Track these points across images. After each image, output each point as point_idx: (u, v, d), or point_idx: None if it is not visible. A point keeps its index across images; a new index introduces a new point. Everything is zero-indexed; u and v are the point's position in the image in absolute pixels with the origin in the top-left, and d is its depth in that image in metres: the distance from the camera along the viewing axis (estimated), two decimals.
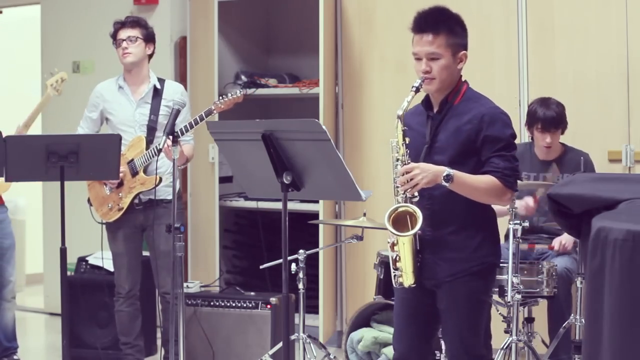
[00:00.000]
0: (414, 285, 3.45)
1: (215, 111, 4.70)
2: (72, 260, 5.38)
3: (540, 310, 4.85)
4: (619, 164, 5.33)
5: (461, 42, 3.49)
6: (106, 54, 6.81)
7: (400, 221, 3.39)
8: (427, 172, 3.34)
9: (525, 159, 4.94)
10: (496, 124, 3.42)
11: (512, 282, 4.32)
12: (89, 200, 5.17)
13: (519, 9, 5.58)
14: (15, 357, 5.33)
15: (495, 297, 4.63)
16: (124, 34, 5.04)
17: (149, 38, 5.08)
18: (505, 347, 4.43)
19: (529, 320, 4.78)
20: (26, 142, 4.67)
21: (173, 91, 5.06)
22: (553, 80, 5.47)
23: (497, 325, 4.78)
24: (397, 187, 3.39)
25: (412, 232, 3.35)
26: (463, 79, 3.54)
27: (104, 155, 4.60)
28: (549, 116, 4.80)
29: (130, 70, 5.06)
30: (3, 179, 4.67)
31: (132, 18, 5.12)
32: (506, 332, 4.51)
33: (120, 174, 4.93)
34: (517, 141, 5.24)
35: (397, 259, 3.44)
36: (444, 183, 3.33)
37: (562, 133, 4.90)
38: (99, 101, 5.13)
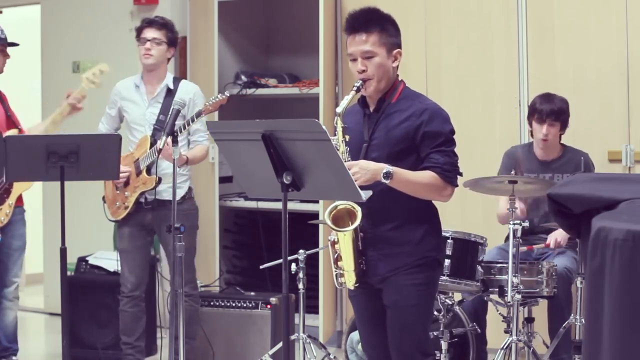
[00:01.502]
0: (357, 285, 3.47)
1: (204, 113, 4.69)
2: (72, 260, 5.37)
3: (540, 310, 4.85)
4: (619, 164, 5.33)
5: (395, 40, 3.51)
6: (106, 54, 6.82)
7: (340, 219, 3.42)
8: (366, 169, 3.36)
9: (524, 160, 4.94)
10: (436, 119, 3.44)
11: (512, 282, 4.32)
12: (103, 198, 5.18)
13: (519, 9, 5.58)
14: (14, 358, 5.32)
15: (495, 297, 4.64)
16: (149, 33, 5.02)
17: (173, 42, 5.08)
18: (505, 347, 4.43)
19: (529, 320, 4.78)
20: (26, 142, 4.66)
21: (186, 91, 5.05)
22: (553, 80, 5.47)
23: (497, 325, 4.79)
24: None
25: (351, 227, 3.38)
26: (400, 79, 3.56)
27: (104, 155, 4.59)
28: (547, 107, 4.81)
29: (149, 70, 5.06)
30: None
31: (161, 20, 5.09)
32: (506, 332, 4.51)
33: (127, 173, 4.98)
34: (517, 142, 5.35)
35: (338, 258, 3.45)
36: (383, 180, 3.35)
37: (562, 130, 4.89)
38: (117, 98, 5.16)
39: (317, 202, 5.91)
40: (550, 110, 4.80)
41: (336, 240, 3.45)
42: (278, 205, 3.56)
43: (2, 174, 4.71)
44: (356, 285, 3.48)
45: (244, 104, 6.43)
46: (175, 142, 4.15)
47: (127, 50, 6.71)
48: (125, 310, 5.10)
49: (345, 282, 3.49)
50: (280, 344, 4.43)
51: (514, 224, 4.40)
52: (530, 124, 4.93)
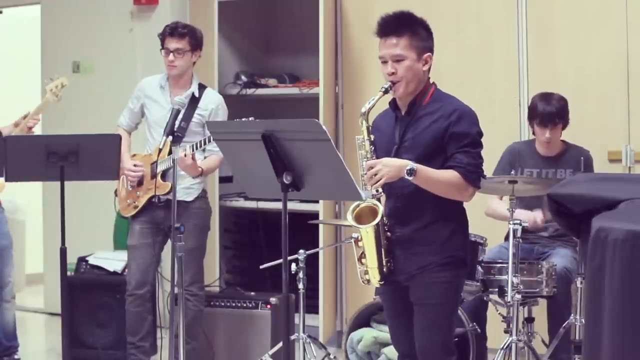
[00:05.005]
0: (382, 283, 3.54)
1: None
2: (72, 260, 5.38)
3: (540, 310, 4.85)
4: (619, 164, 5.33)
5: (426, 44, 3.56)
6: (106, 54, 6.83)
7: (363, 216, 3.49)
8: (390, 166, 3.41)
9: (526, 156, 4.95)
10: (463, 120, 3.49)
11: (512, 282, 4.32)
12: (115, 191, 5.18)
13: (518, 9, 5.58)
14: (15, 356, 5.33)
15: (495, 297, 4.64)
16: (172, 44, 4.94)
17: (197, 46, 5.01)
18: (505, 347, 4.42)
19: (529, 320, 4.78)
20: (26, 142, 4.67)
21: (210, 101, 5.03)
22: (553, 80, 5.47)
23: (497, 325, 4.79)
24: (365, 184, 3.47)
25: (372, 223, 3.44)
26: (431, 81, 3.61)
27: (104, 155, 4.60)
28: (547, 111, 4.80)
29: (174, 77, 5.03)
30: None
31: (182, 28, 4.97)
32: (506, 332, 4.51)
33: (141, 173, 4.98)
34: (517, 139, 5.35)
35: (362, 255, 3.52)
36: (407, 177, 3.39)
37: (564, 128, 4.89)
38: (141, 95, 5.12)
39: (317, 202, 5.91)
40: (551, 114, 4.79)
41: (359, 237, 3.50)
42: (278, 205, 3.56)
43: (2, 174, 4.71)
44: (381, 283, 3.54)
45: (244, 104, 6.43)
46: (175, 142, 4.15)
47: (127, 50, 6.73)
48: (128, 309, 5.08)
49: (370, 279, 3.54)
50: (280, 344, 4.43)
51: (514, 223, 4.40)
52: (532, 125, 4.92)
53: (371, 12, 6.03)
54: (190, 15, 6.64)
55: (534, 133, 4.97)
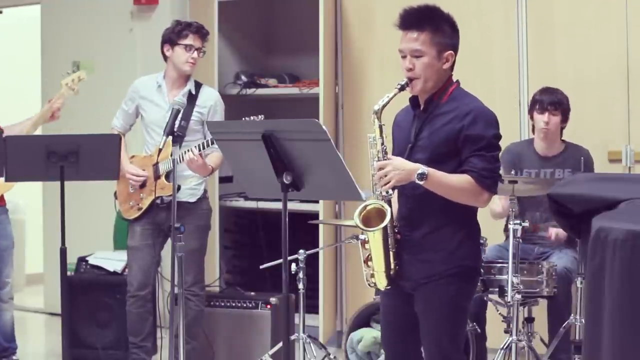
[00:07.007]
0: (388, 288, 3.43)
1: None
2: (72, 260, 5.38)
3: (540, 310, 4.85)
4: (619, 164, 5.33)
5: (448, 41, 3.43)
6: (106, 54, 6.83)
7: (370, 219, 3.38)
8: (400, 169, 3.30)
9: (524, 156, 4.95)
10: (479, 122, 3.36)
11: (512, 282, 4.32)
12: (115, 193, 5.16)
13: (518, 9, 5.58)
14: (14, 357, 5.32)
15: (495, 297, 4.65)
16: (197, 42, 4.97)
17: None
18: (505, 347, 4.43)
19: (529, 320, 4.78)
20: (26, 142, 4.67)
21: (208, 98, 5.03)
22: (553, 79, 5.46)
23: (497, 325, 4.79)
24: (375, 184, 3.38)
25: (379, 227, 3.33)
26: (455, 79, 3.50)
27: (104, 155, 4.60)
28: (548, 98, 4.83)
29: (182, 75, 5.01)
30: (3, 179, 4.66)
31: (202, 27, 5.02)
32: (506, 332, 4.52)
33: (143, 178, 4.96)
34: (517, 138, 5.35)
35: (369, 258, 3.42)
36: (417, 181, 3.27)
37: (563, 122, 4.88)
38: (135, 96, 5.09)
39: (317, 202, 5.91)
40: (551, 100, 4.83)
41: (366, 239, 3.40)
42: (278, 205, 3.56)
43: (1, 174, 4.71)
44: (387, 287, 3.43)
45: (244, 104, 6.43)
46: (176, 141, 4.15)
47: (127, 50, 6.73)
48: (130, 310, 5.06)
49: (376, 283, 3.44)
50: (280, 344, 4.43)
51: (514, 223, 4.40)
52: (532, 117, 4.93)
53: (371, 12, 6.04)
54: (190, 15, 6.64)
55: (533, 131, 4.97)
